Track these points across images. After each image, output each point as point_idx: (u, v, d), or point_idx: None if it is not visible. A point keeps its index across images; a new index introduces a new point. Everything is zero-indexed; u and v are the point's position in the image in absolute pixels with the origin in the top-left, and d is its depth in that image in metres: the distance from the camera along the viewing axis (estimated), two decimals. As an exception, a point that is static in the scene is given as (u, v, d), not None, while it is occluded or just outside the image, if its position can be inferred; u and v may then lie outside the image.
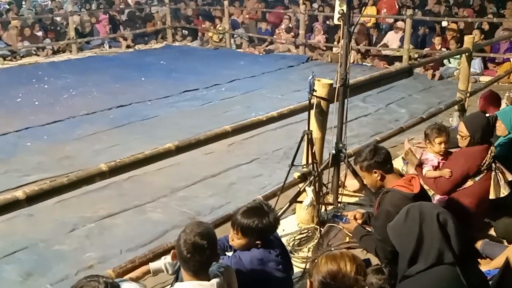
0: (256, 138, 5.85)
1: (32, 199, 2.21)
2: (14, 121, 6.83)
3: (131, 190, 4.69)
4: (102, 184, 4.23)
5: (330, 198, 4.10)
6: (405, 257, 2.11)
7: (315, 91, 3.45)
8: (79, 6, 14.46)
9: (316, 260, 1.93)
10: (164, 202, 4.50)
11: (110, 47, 12.77)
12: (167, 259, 2.52)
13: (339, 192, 4.09)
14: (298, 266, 3.33)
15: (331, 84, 3.62)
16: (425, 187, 3.48)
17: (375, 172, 3.14)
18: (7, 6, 14.39)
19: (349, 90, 3.69)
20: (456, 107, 6.07)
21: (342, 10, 3.53)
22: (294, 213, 4.06)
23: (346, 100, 3.69)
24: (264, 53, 11.91)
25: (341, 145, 3.82)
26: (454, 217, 2.13)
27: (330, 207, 3.98)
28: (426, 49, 9.91)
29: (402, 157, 4.64)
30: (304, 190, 3.69)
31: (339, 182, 4.07)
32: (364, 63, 10.26)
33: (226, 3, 12.84)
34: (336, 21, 3.63)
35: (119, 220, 4.19)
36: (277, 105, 6.45)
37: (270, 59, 11.19)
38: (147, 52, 12.56)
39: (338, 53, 10.58)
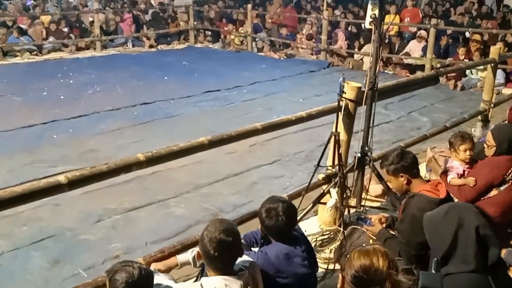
0: (277, 140, 5.91)
1: (74, 183, 2.28)
2: (40, 113, 6.98)
3: (155, 184, 4.77)
4: (127, 177, 4.33)
5: (352, 202, 4.12)
6: (436, 255, 2.13)
7: (345, 93, 3.48)
8: (103, 5, 14.69)
9: (348, 255, 1.96)
10: (187, 198, 4.56)
11: (133, 46, 12.97)
12: (194, 251, 2.57)
13: (362, 196, 4.11)
14: (320, 267, 3.36)
15: (359, 88, 3.65)
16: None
17: (402, 176, 3.15)
18: (34, 2, 14.67)
19: (377, 94, 3.72)
20: (479, 117, 6.06)
21: (374, 14, 3.57)
22: (316, 214, 4.09)
23: (374, 104, 3.72)
24: (285, 57, 11.97)
25: (366, 148, 3.84)
26: (492, 227, 2.14)
27: (352, 210, 4.00)
28: (449, 59, 9.87)
29: (425, 165, 4.65)
30: (328, 191, 3.72)
31: (363, 186, 4.09)
32: (386, 71, 10.25)
33: (249, 6, 12.94)
34: (367, 25, 3.65)
35: (143, 213, 4.26)
36: (298, 109, 6.43)
37: (291, 64, 11.24)
38: (169, 52, 12.70)
39: (360, 60, 10.67)
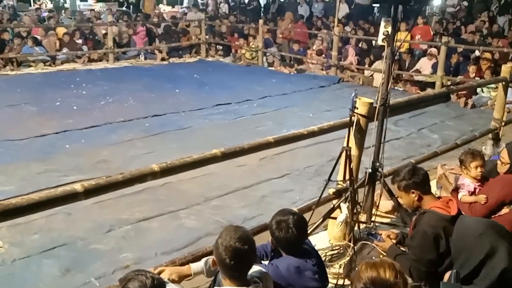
0: (287, 154, 5.93)
1: (90, 192, 2.32)
2: (53, 123, 7.08)
3: (166, 196, 4.81)
4: (138, 188, 4.39)
5: (362, 217, 4.11)
6: (457, 266, 2.13)
7: (357, 108, 3.51)
8: (116, 18, 14.92)
9: (357, 268, 1.99)
10: (197, 210, 4.59)
11: (145, 58, 13.12)
12: (209, 260, 2.58)
13: (372, 211, 4.12)
14: (329, 282, 3.35)
15: (371, 103, 3.68)
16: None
17: (413, 193, 3.15)
18: (49, 14, 14.92)
19: (388, 110, 3.75)
20: (490, 135, 6.05)
21: (387, 31, 3.61)
22: (326, 229, 4.10)
23: (385, 120, 3.74)
24: (295, 72, 12.04)
25: (377, 164, 3.85)
26: None
27: (362, 226, 4.00)
28: (459, 77, 9.88)
29: (436, 182, 4.64)
30: (339, 206, 3.73)
31: (373, 202, 4.09)
32: (396, 87, 10.28)
33: (260, 21, 13.08)
34: (380, 42, 3.70)
35: (154, 224, 4.29)
36: (308, 123, 6.49)
37: (301, 79, 11.31)
38: (181, 65, 12.84)
39: (370, 76, 10.71)
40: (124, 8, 18.59)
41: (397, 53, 9.49)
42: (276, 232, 2.60)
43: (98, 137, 6.59)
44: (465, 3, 18.03)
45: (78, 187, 2.31)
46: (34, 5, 19.27)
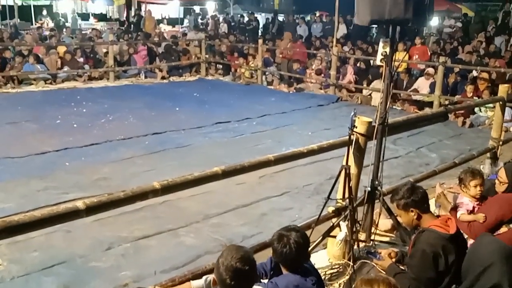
0: (286, 172, 5.95)
1: (91, 210, 2.34)
2: (53, 141, 7.10)
3: (166, 213, 4.81)
4: (138, 206, 4.40)
5: (361, 236, 4.12)
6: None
7: (356, 127, 3.55)
8: (117, 36, 15.08)
9: (353, 285, 2.02)
10: (197, 228, 4.59)
11: (146, 77, 13.22)
12: (209, 278, 2.59)
13: (372, 230, 4.13)
14: (329, 300, 3.36)
15: (370, 122, 3.73)
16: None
17: (412, 211, 3.18)
18: (50, 33, 15.07)
19: (387, 129, 3.79)
20: (488, 154, 6.10)
21: (385, 52, 3.67)
22: (325, 247, 4.10)
23: (384, 139, 3.78)
24: (294, 91, 12.14)
25: (377, 182, 3.88)
26: None
27: (362, 244, 4.01)
28: (457, 96, 9.97)
29: (435, 201, 4.66)
30: (338, 225, 3.75)
31: (372, 220, 4.11)
32: (394, 107, 10.35)
33: (260, 41, 13.24)
34: (378, 62, 3.76)
35: (153, 242, 4.28)
36: (307, 142, 6.55)
37: (300, 97, 11.39)
38: (181, 84, 12.92)
39: (368, 95, 10.80)
40: (125, 27, 18.79)
41: (395, 73, 9.62)
42: (278, 246, 2.62)
43: (98, 155, 6.60)
44: (459, 24, 18.34)
45: (80, 204, 2.33)
46: (35, 24, 19.50)
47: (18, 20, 19.19)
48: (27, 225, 2.21)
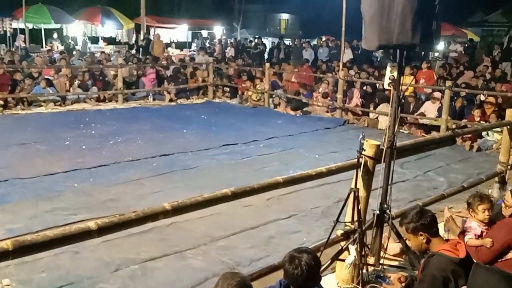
0: (294, 194, 5.95)
1: (103, 230, 2.36)
2: (62, 162, 7.16)
3: (173, 235, 4.81)
4: (146, 227, 4.39)
5: (370, 260, 4.10)
6: None
7: (364, 150, 3.57)
8: (125, 59, 15.28)
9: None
10: (204, 250, 4.58)
11: (154, 99, 13.38)
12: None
13: (381, 254, 4.10)
14: (338, 325, 3.32)
15: (378, 145, 3.75)
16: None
17: (421, 235, 3.17)
18: (60, 56, 15.31)
19: (395, 152, 3.81)
20: (496, 179, 6.07)
21: (393, 76, 3.72)
22: (334, 271, 4.07)
23: (392, 162, 3.80)
24: (301, 114, 12.21)
25: (385, 206, 3.88)
26: None
27: (371, 268, 3.98)
28: (464, 120, 9.99)
29: (443, 225, 4.64)
30: (347, 248, 3.73)
31: (381, 244, 4.09)
32: (401, 130, 10.37)
33: (267, 65, 13.39)
34: (386, 86, 3.80)
35: (160, 264, 4.28)
36: (314, 165, 6.53)
37: (307, 120, 11.45)
38: (188, 106, 13.06)
39: (375, 118, 10.82)
40: (133, 51, 19.07)
41: (403, 97, 9.70)
42: (289, 268, 2.61)
43: (106, 176, 6.64)
44: (460, 48, 18.48)
45: (92, 224, 2.35)
46: (45, 47, 19.82)
47: (29, 43, 19.53)
48: (39, 245, 2.23)
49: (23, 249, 2.18)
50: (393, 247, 4.35)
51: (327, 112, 12.17)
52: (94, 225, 2.34)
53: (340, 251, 3.76)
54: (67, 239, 2.31)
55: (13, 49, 17.70)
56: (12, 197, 5.73)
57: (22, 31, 19.85)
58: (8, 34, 20.86)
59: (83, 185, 6.25)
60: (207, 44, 23.46)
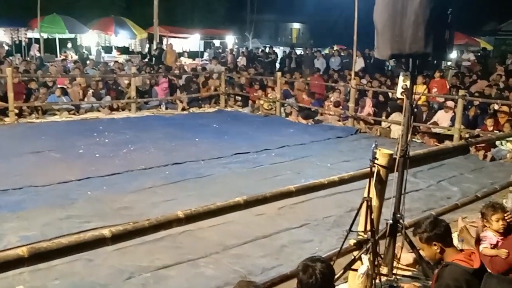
0: (306, 203, 5.94)
1: (117, 238, 2.38)
2: (76, 170, 7.23)
3: (185, 243, 4.82)
4: (158, 235, 4.41)
5: (383, 270, 4.07)
6: None
7: (377, 159, 3.56)
8: (138, 68, 15.42)
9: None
10: (216, 258, 4.58)
11: (166, 108, 13.50)
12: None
13: (394, 264, 4.07)
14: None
15: (391, 154, 3.74)
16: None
17: (435, 245, 3.14)
18: (74, 65, 15.51)
19: (408, 162, 3.79)
20: (510, 188, 6.00)
21: (406, 85, 3.72)
22: (346, 281, 4.05)
23: (406, 171, 3.78)
24: (312, 123, 12.20)
25: (398, 215, 3.85)
26: None
27: (384, 278, 3.95)
28: (477, 129, 9.91)
29: (457, 235, 4.59)
30: (359, 258, 3.71)
31: (394, 254, 4.06)
32: (414, 139, 10.32)
33: (279, 74, 13.44)
34: (399, 95, 3.80)
35: (173, 272, 4.29)
36: (326, 174, 6.55)
37: (318, 129, 11.45)
38: (200, 115, 13.15)
39: (387, 127, 10.75)
40: (146, 60, 19.25)
41: (415, 106, 9.67)
42: (303, 277, 2.61)
43: (119, 184, 6.69)
44: (474, 58, 18.36)
45: (106, 232, 2.37)
46: (60, 56, 20.10)
47: (44, 52, 19.82)
48: (54, 252, 2.26)
49: (38, 256, 2.21)
50: (407, 257, 4.32)
51: (339, 121, 12.16)
52: (108, 233, 2.37)
53: (353, 261, 3.74)
54: (81, 246, 2.34)
55: (28, 58, 17.97)
56: (26, 205, 5.80)
57: (37, 40, 20.14)
58: (23, 43, 21.19)
59: (97, 193, 6.31)
60: (219, 54, 23.61)
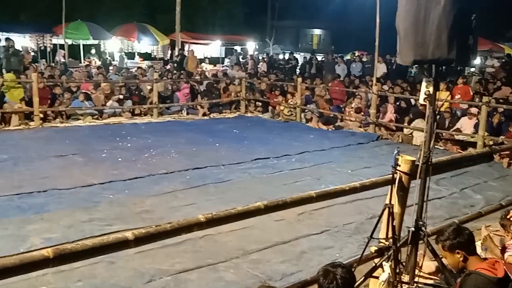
0: (326, 210, 5.92)
1: (140, 240, 2.42)
2: (99, 173, 7.34)
3: (205, 248, 4.85)
4: (179, 239, 4.47)
5: (404, 278, 4.02)
6: None
7: (399, 166, 3.53)
8: (160, 74, 15.61)
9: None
10: (236, 263, 4.59)
11: (187, 113, 13.62)
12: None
13: (415, 272, 4.02)
14: None
15: (413, 161, 3.70)
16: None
17: (458, 253, 3.10)
18: (97, 70, 15.78)
19: (431, 169, 3.74)
20: (536, 197, 5.89)
21: (429, 91, 3.68)
22: (367, 288, 4.02)
23: (428, 178, 3.73)
24: (333, 129, 12.15)
25: (421, 222, 3.81)
26: None
27: (405, 286, 3.90)
28: (501, 137, 9.73)
29: (480, 243, 4.51)
30: (381, 265, 3.68)
31: (416, 262, 4.01)
32: (436, 146, 10.18)
33: (299, 79, 13.44)
34: (421, 101, 3.76)
35: (193, 276, 4.31)
36: (346, 180, 6.53)
37: (339, 135, 11.38)
38: (221, 121, 13.21)
39: (409, 134, 10.63)
40: (168, 66, 19.46)
41: (438, 112, 9.55)
42: (324, 282, 2.59)
43: (141, 188, 6.77)
44: (498, 64, 18.04)
45: (129, 235, 2.40)
46: (84, 62, 20.47)
47: (68, 58, 20.21)
48: (79, 253, 2.31)
49: (63, 258, 2.26)
50: (429, 265, 4.26)
51: (360, 127, 12.07)
52: (131, 235, 2.40)
53: (374, 268, 3.70)
54: (105, 248, 2.38)
55: (53, 64, 18.33)
56: (50, 207, 5.91)
57: (62, 46, 20.54)
58: (48, 49, 21.63)
59: (119, 196, 6.39)
60: (241, 60, 23.73)
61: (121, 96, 12.97)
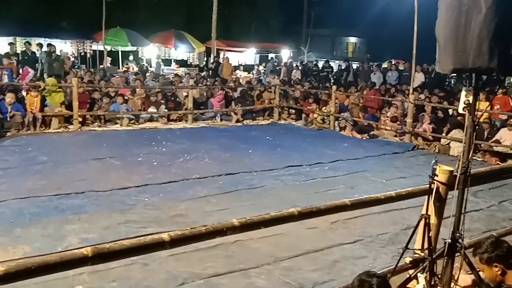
0: (359, 219, 5.85)
1: (175, 242, 2.46)
2: (135, 177, 7.49)
3: (237, 253, 4.87)
4: (211, 243, 4.54)
5: (439, 290, 3.93)
6: None
7: (436, 176, 3.47)
8: (196, 81, 15.84)
9: None
10: (268, 270, 4.59)
11: (221, 120, 13.76)
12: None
13: (451, 285, 3.93)
14: None
15: (451, 171, 3.63)
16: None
17: (496, 266, 3.02)
18: (135, 76, 16.14)
19: (469, 180, 3.66)
20: None
21: (468, 100, 3.60)
22: (401, 300, 3.94)
23: (466, 190, 3.65)
24: (367, 137, 12.02)
25: (457, 234, 3.72)
26: None
27: (440, 299, 3.82)
28: (544, 149, 9.41)
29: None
30: (415, 277, 3.61)
31: (452, 274, 3.91)
32: (474, 157, 9.92)
33: (334, 87, 13.37)
34: (460, 111, 3.69)
35: (225, 281, 4.34)
36: (381, 189, 6.44)
37: (374, 144, 11.25)
38: (254, 127, 13.28)
39: (447, 144, 10.40)
40: (203, 73, 19.72)
41: (477, 123, 9.31)
42: None
43: (175, 192, 6.87)
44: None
45: (165, 236, 2.45)
46: (122, 68, 20.96)
47: (108, 64, 20.75)
48: (117, 253, 2.37)
49: (101, 256, 2.32)
50: (465, 278, 4.14)
51: (395, 136, 11.90)
52: (167, 237, 2.45)
53: (408, 279, 3.64)
54: (142, 248, 2.43)
55: (92, 70, 18.86)
56: (87, 208, 6.07)
57: (101, 53, 21.12)
58: (88, 55, 22.27)
59: (154, 200, 6.50)
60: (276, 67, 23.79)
61: (159, 98, 13.24)
